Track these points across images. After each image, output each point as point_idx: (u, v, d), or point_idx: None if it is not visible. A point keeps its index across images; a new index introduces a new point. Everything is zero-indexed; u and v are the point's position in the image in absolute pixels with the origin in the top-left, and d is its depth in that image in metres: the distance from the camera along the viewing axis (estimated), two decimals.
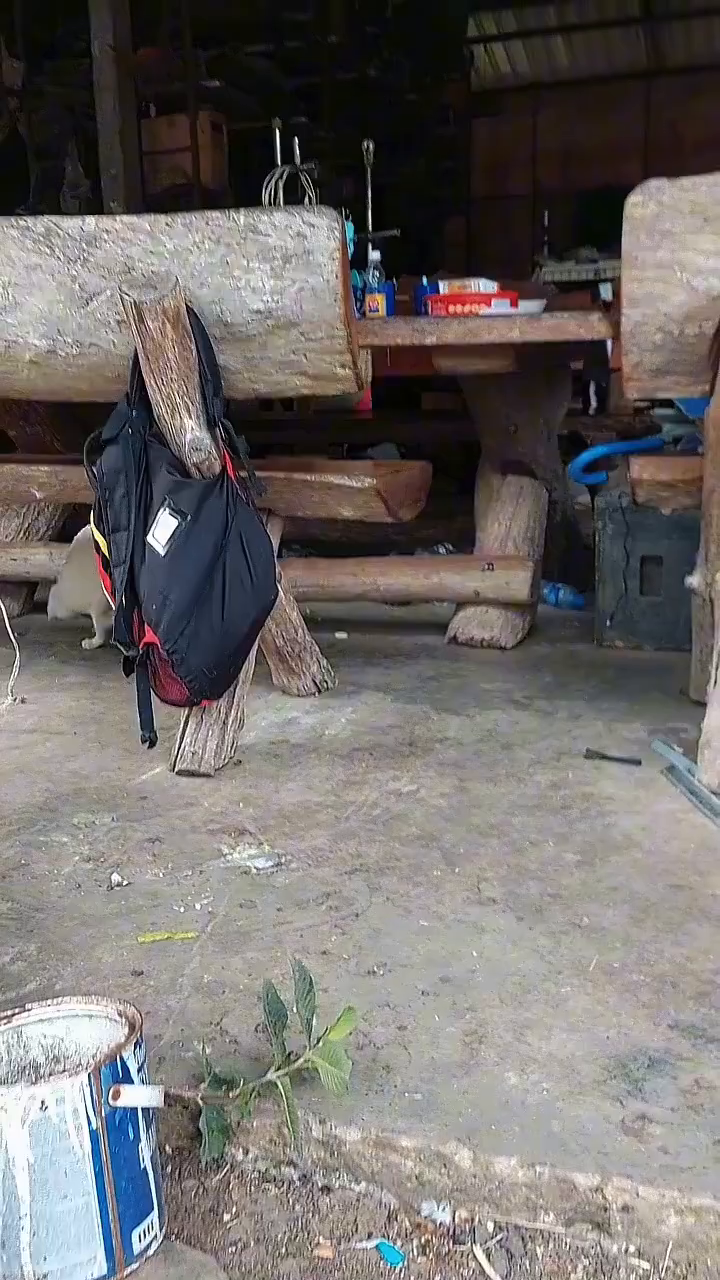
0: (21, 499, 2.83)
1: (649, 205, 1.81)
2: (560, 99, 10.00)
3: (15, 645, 2.57)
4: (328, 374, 1.99)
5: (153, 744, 2.10)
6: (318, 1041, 1.16)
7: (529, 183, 10.24)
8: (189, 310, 1.91)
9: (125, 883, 1.68)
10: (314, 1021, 1.18)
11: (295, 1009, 1.20)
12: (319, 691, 2.53)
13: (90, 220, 2.01)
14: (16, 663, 2.52)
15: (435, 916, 1.54)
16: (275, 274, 1.91)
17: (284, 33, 7.24)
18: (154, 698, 2.08)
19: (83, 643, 2.93)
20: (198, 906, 1.60)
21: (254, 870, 1.70)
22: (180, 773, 2.09)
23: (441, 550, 3.50)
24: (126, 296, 1.89)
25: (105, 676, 2.72)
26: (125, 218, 1.99)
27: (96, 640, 2.90)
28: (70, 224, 2.01)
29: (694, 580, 2.07)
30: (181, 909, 1.59)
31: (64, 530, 3.44)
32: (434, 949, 1.45)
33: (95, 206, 6.29)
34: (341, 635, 3.04)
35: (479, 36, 10.02)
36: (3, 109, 6.98)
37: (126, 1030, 1.10)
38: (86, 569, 2.77)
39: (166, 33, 6.41)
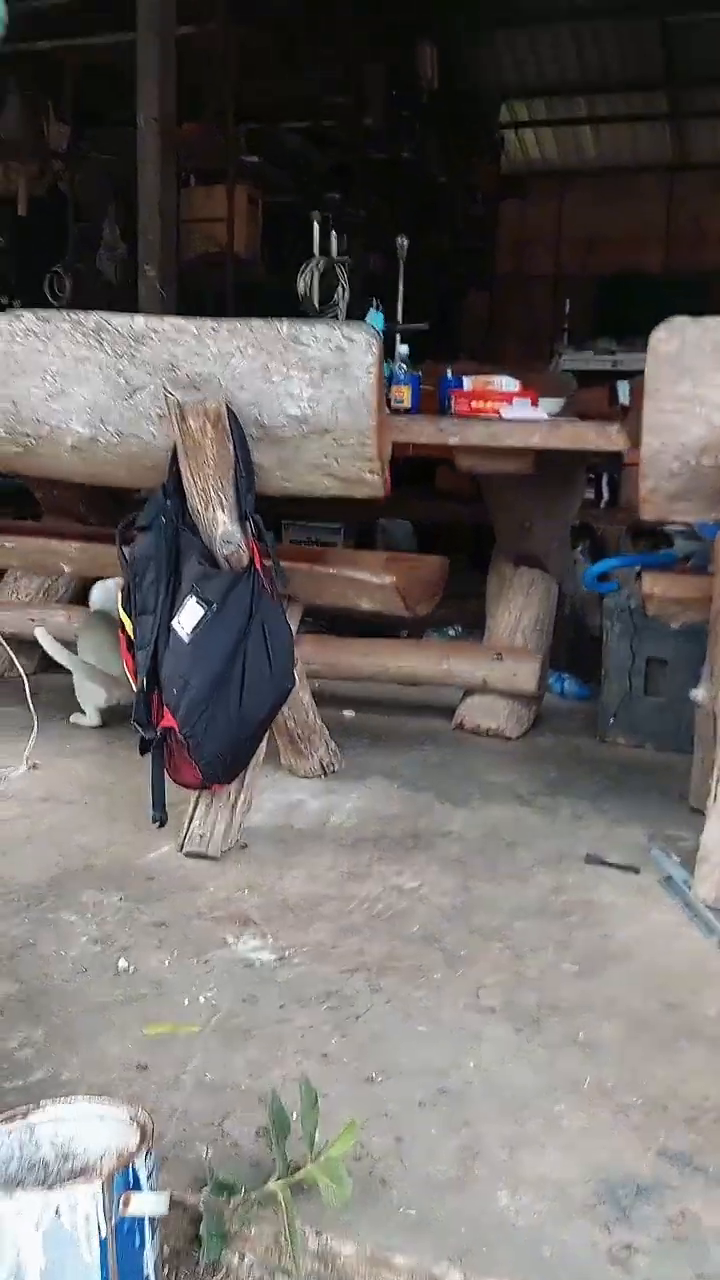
0: (50, 571, 2.91)
1: (673, 341, 1.90)
2: (586, 185, 10.29)
3: (33, 711, 2.63)
4: (356, 478, 2.08)
5: (163, 824, 2.15)
6: (319, 1155, 1.19)
7: (552, 264, 10.49)
8: (229, 411, 2.00)
9: (131, 968, 1.71)
10: (316, 1135, 1.22)
11: (298, 1120, 1.23)
12: (325, 774, 2.58)
13: (139, 319, 2.11)
14: (35, 729, 2.57)
15: (435, 1022, 1.57)
16: (313, 383, 1.99)
17: (322, 113, 7.47)
18: (167, 779, 2.13)
19: (71, 718, 2.92)
20: (201, 999, 1.63)
21: (257, 963, 1.74)
22: (188, 854, 2.13)
23: (451, 632, 3.57)
24: (171, 395, 1.98)
25: (117, 744, 2.77)
26: (173, 319, 2.09)
27: (90, 720, 2.92)
28: (120, 321, 2.10)
29: (699, 694, 2.13)
30: (185, 1000, 1.63)
31: (82, 593, 3.52)
32: (432, 1057, 1.49)
33: (130, 268, 6.46)
34: (349, 713, 3.09)
35: (510, 122, 10.32)
36: (47, 168, 7.21)
37: (138, 1136, 1.14)
38: (100, 650, 2.84)
39: (211, 109, 6.62)
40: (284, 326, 2.02)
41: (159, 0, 5.67)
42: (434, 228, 8.53)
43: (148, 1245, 1.10)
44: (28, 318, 2.16)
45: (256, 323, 2.04)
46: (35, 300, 6.56)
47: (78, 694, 2.92)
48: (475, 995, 1.64)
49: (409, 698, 3.22)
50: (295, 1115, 1.25)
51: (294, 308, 4.34)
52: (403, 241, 3.56)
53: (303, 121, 7.45)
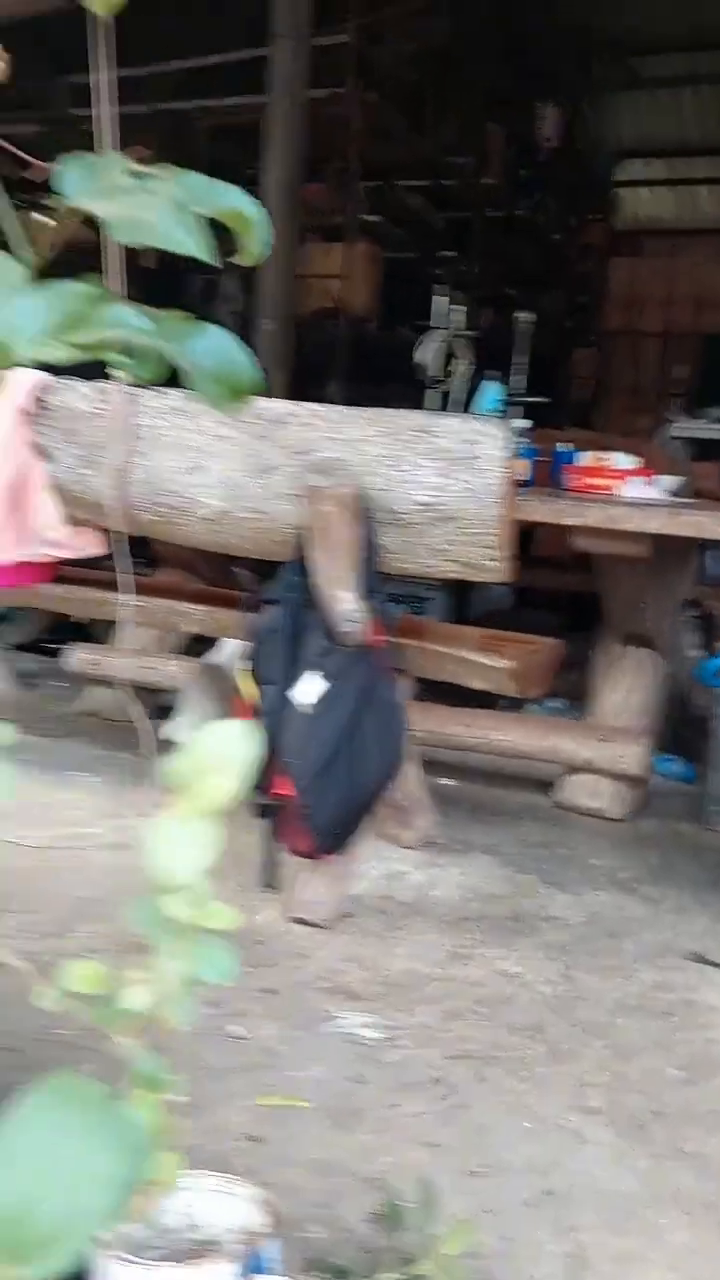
0: (169, 628, 3.02)
1: None
2: (700, 245, 10.27)
3: (147, 757, 2.72)
4: (479, 564, 2.14)
5: (272, 889, 2.21)
6: (434, 1250, 1.23)
7: (660, 322, 10.47)
8: (360, 496, 2.08)
9: (246, 1036, 1.78)
10: (430, 1230, 1.25)
11: (412, 1212, 1.27)
12: (427, 845, 2.62)
13: (280, 404, 2.21)
14: (152, 777, 2.66)
15: (538, 1119, 1.60)
16: (442, 472, 2.07)
17: (442, 172, 7.64)
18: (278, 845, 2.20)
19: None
20: (311, 1073, 1.69)
21: (365, 1041, 1.79)
22: (294, 920, 2.19)
23: (552, 706, 3.59)
24: (306, 479, 2.07)
25: None
26: (312, 405, 2.18)
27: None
28: (262, 404, 2.21)
29: None
30: (297, 1073, 1.68)
31: (194, 646, 3.64)
32: (536, 1155, 1.52)
33: (247, 321, 6.67)
34: (447, 782, 3.13)
35: (626, 181, 10.39)
36: None
37: (264, 1217, 1.19)
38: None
39: (333, 170, 6.82)
40: (418, 417, 2.11)
41: (293, 67, 5.90)
42: (547, 285, 8.63)
43: None
44: (174, 395, 2.28)
45: (391, 412, 2.12)
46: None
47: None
48: (579, 1094, 1.67)
49: (508, 768, 3.24)
50: (406, 1205, 1.29)
51: (403, 363, 4.45)
52: (524, 316, 3.64)
53: (423, 180, 7.61)
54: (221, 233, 0.65)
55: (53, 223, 0.58)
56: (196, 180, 0.61)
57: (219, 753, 0.44)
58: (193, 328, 0.59)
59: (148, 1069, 0.57)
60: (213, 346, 0.60)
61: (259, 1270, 1.14)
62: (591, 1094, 1.67)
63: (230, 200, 0.59)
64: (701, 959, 2.12)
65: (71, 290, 0.55)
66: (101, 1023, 0.59)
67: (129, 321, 0.56)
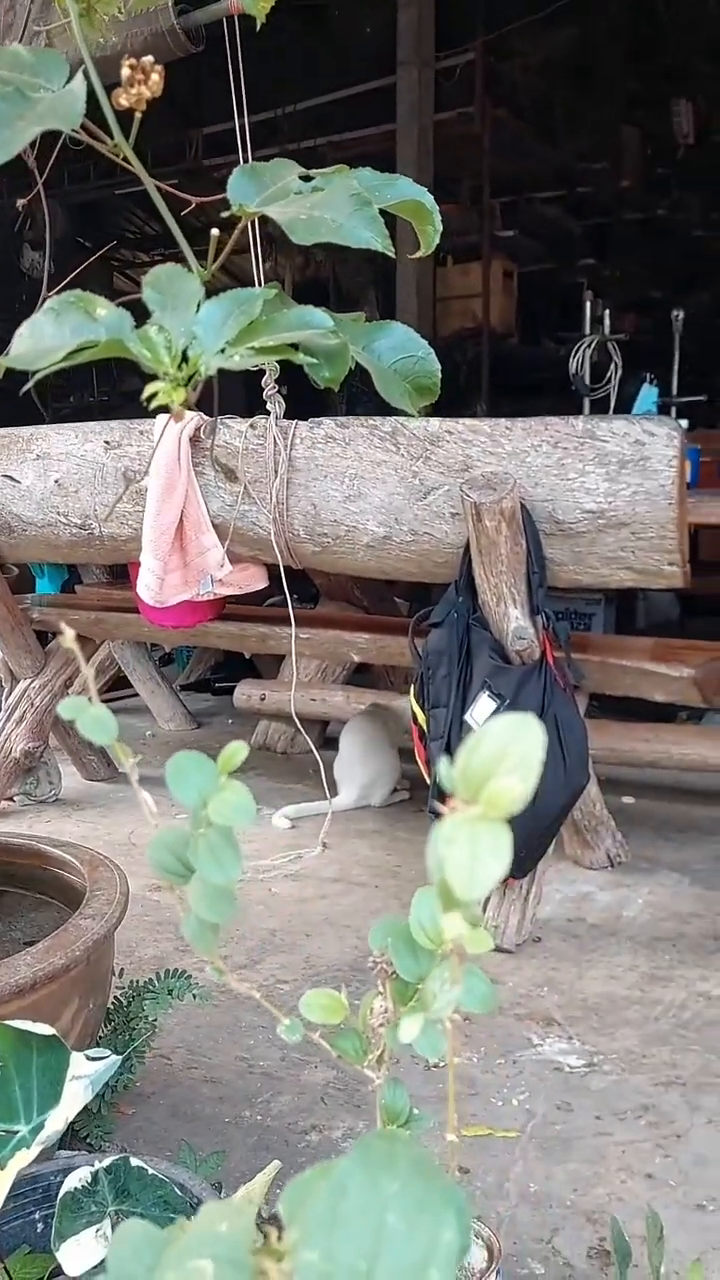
0: (339, 659, 3.04)
1: None
2: None
3: (326, 789, 2.73)
4: (655, 570, 2.05)
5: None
6: None
7: None
8: (523, 508, 2.04)
9: (442, 1064, 1.74)
10: (663, 1269, 1.18)
11: (641, 1249, 1.21)
12: (612, 865, 2.53)
13: (434, 422, 2.19)
14: (330, 813, 2.67)
15: None
16: (610, 478, 2.00)
17: (577, 179, 7.54)
18: None
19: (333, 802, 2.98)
20: (515, 1102, 1.63)
21: (567, 1068, 1.72)
22: None
23: None
24: (467, 497, 2.04)
25: (398, 825, 2.84)
26: (467, 421, 2.15)
27: (341, 803, 2.95)
28: (415, 425, 2.19)
29: None
30: (499, 1102, 1.63)
31: (355, 674, 3.66)
32: None
33: None
34: (629, 800, 3.03)
35: None
36: (311, 257, 7.66)
37: (484, 1253, 1.15)
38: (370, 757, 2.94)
39: (466, 187, 6.83)
40: (580, 423, 2.05)
41: (418, 91, 5.96)
42: (694, 284, 8.38)
43: None
44: (327, 424, 2.30)
45: (553, 420, 2.07)
46: (297, 382, 6.96)
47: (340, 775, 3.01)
48: None
49: (689, 783, 3.12)
50: (630, 1239, 1.23)
51: (548, 374, 4.37)
52: (678, 314, 3.52)
53: (557, 190, 7.53)
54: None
55: (219, 233, 0.58)
56: (368, 175, 0.59)
57: (509, 749, 0.41)
58: (376, 326, 0.58)
59: (396, 1103, 0.55)
60: (396, 343, 0.58)
61: None
62: None
63: (404, 191, 0.57)
64: None
65: (250, 295, 0.54)
66: (345, 1054, 0.56)
67: (312, 321, 0.54)
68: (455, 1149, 0.59)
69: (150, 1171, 1.11)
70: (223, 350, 0.52)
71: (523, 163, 6.99)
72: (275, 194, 0.60)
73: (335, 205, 0.57)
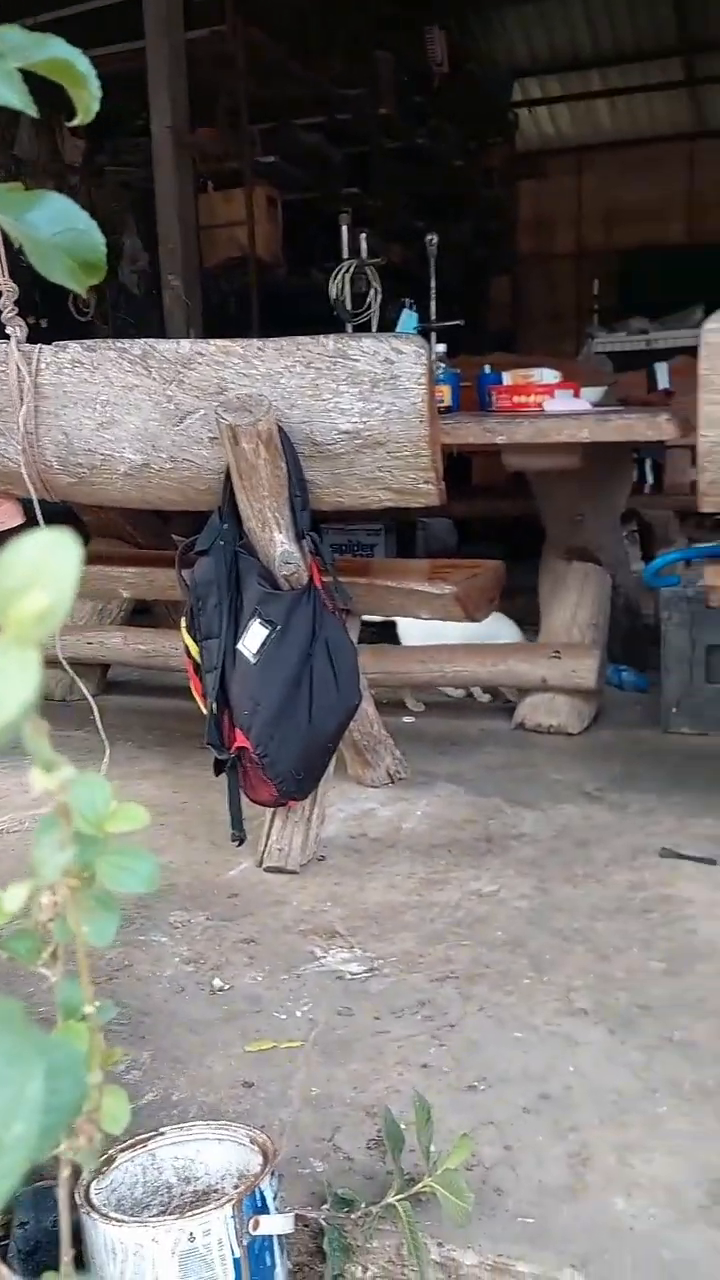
0: (107, 596, 2.95)
1: None
2: (604, 160, 10.20)
3: (104, 737, 2.67)
4: (412, 489, 2.09)
5: (242, 842, 2.19)
6: (435, 1167, 1.22)
7: (573, 242, 10.42)
8: (280, 431, 2.02)
9: (226, 986, 1.75)
10: (432, 1148, 1.24)
11: (412, 1133, 1.26)
12: (392, 781, 2.60)
13: (185, 344, 2.14)
14: (107, 755, 2.61)
15: (528, 1028, 1.60)
16: (363, 397, 2.01)
17: (335, 106, 7.47)
18: (243, 797, 2.17)
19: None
20: (298, 1013, 1.67)
21: (348, 975, 1.77)
22: (268, 869, 2.17)
23: None
24: (222, 419, 2.01)
25: (184, 763, 2.82)
26: (219, 342, 2.11)
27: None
28: (166, 347, 2.13)
29: None
30: (283, 1015, 1.67)
31: (135, 614, 3.58)
32: (530, 1063, 1.51)
33: (153, 279, 6.51)
34: (409, 719, 3.12)
35: (524, 100, 10.25)
36: (63, 183, 7.27)
37: (259, 1157, 1.17)
38: None
39: (223, 111, 6.64)
40: (331, 342, 2.04)
41: (166, 6, 5.71)
42: (454, 214, 8.51)
43: (278, 1263, 1.13)
44: (74, 348, 2.20)
45: (303, 340, 2.05)
46: (60, 318, 6.64)
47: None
48: (565, 999, 1.67)
49: (467, 701, 3.23)
50: (405, 1127, 1.28)
51: (319, 305, 4.35)
52: (432, 238, 3.57)
53: (317, 117, 7.44)
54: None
55: None
56: (14, 34, 0.55)
57: (34, 565, 0.39)
58: (29, 195, 0.54)
59: (69, 996, 0.53)
60: (54, 214, 0.55)
61: (261, 1210, 1.12)
62: (578, 997, 1.67)
63: (55, 51, 0.54)
64: (674, 853, 2.13)
65: None
66: (17, 955, 0.55)
67: None
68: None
69: None
70: None
71: (280, 86, 6.84)
72: None
73: None
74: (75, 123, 0.55)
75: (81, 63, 0.51)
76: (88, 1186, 1.15)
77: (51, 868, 0.47)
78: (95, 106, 0.53)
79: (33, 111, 0.50)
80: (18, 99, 0.50)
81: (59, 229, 0.53)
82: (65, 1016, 0.54)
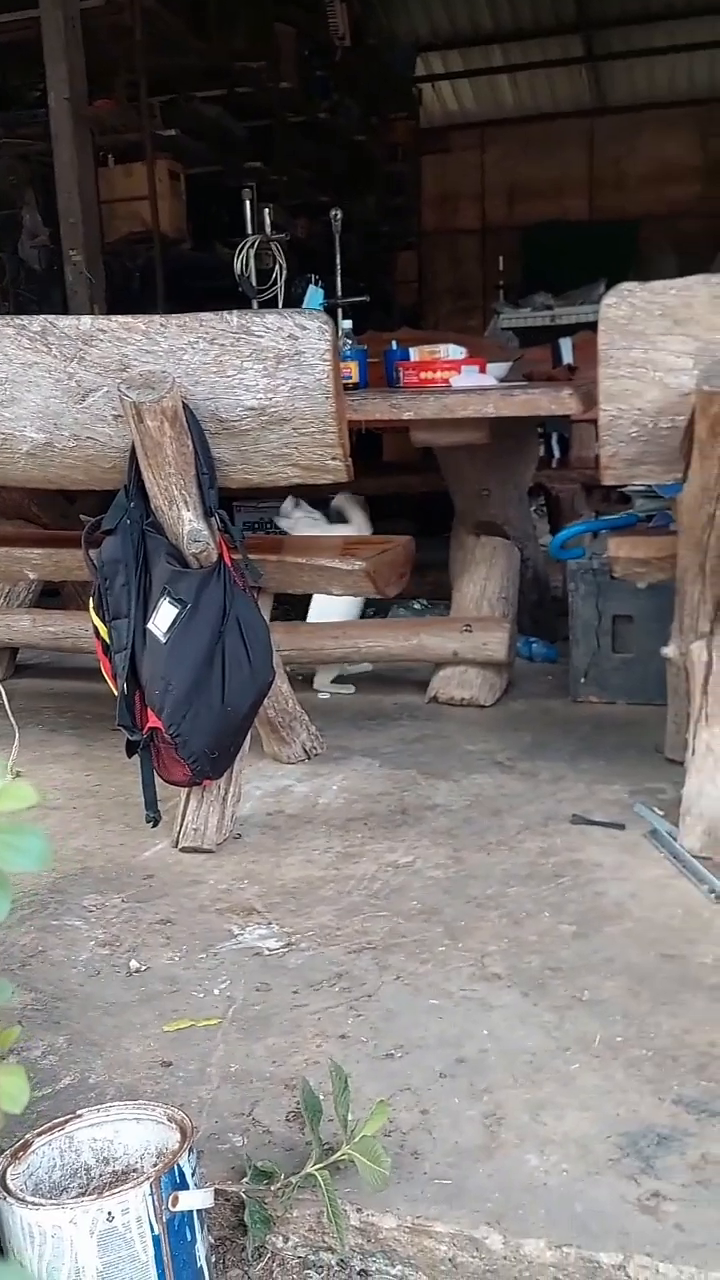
0: (14, 578, 2.89)
1: (622, 307, 1.92)
2: (506, 135, 10.27)
3: (11, 718, 2.62)
4: (319, 465, 2.09)
5: (156, 823, 2.17)
6: (353, 1135, 1.24)
7: (477, 217, 10.48)
8: (185, 407, 2.00)
9: (143, 968, 1.75)
10: (350, 1117, 1.26)
11: (330, 1102, 1.28)
12: (308, 758, 2.61)
13: (86, 320, 2.10)
14: (16, 739, 2.57)
15: (444, 994, 1.62)
16: (268, 373, 2.00)
17: (235, 79, 7.36)
18: (156, 778, 2.16)
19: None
20: (215, 991, 1.67)
21: (265, 951, 1.78)
22: (184, 849, 2.16)
23: (418, 606, 3.60)
24: (126, 397, 1.98)
25: (96, 745, 2.79)
26: (121, 318, 2.07)
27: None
28: (66, 323, 2.09)
29: (669, 650, 2.19)
30: (200, 994, 1.67)
31: (45, 595, 3.51)
32: (446, 1028, 1.54)
33: (54, 254, 6.35)
34: (324, 695, 3.13)
35: (426, 76, 10.23)
36: None
37: (177, 1134, 1.17)
38: None
39: (122, 83, 6.49)
40: (234, 318, 2.02)
41: None
42: (358, 189, 8.48)
43: (198, 1238, 1.14)
44: None
45: (207, 316, 2.03)
46: None
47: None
48: (480, 964, 1.70)
49: (380, 673, 3.25)
50: (324, 1097, 1.30)
51: (223, 281, 4.29)
52: (336, 213, 3.55)
53: (217, 90, 7.32)
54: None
55: None
56: None
57: None
58: None
59: None
60: None
61: (181, 1186, 1.13)
62: (491, 962, 1.70)
63: None
64: (584, 820, 2.18)
65: None
66: None
67: None
68: None
69: None
70: None
71: (179, 58, 6.72)
72: None
73: None
74: None
75: None
76: (3, 1172, 1.14)
77: None
78: None
79: None
80: None
81: None
82: None
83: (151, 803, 2.16)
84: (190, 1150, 1.15)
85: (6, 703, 2.61)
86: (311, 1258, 1.25)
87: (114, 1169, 1.24)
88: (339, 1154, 1.23)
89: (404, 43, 9.60)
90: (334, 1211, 1.20)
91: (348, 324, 3.29)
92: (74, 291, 5.79)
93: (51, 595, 3.66)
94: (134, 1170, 1.22)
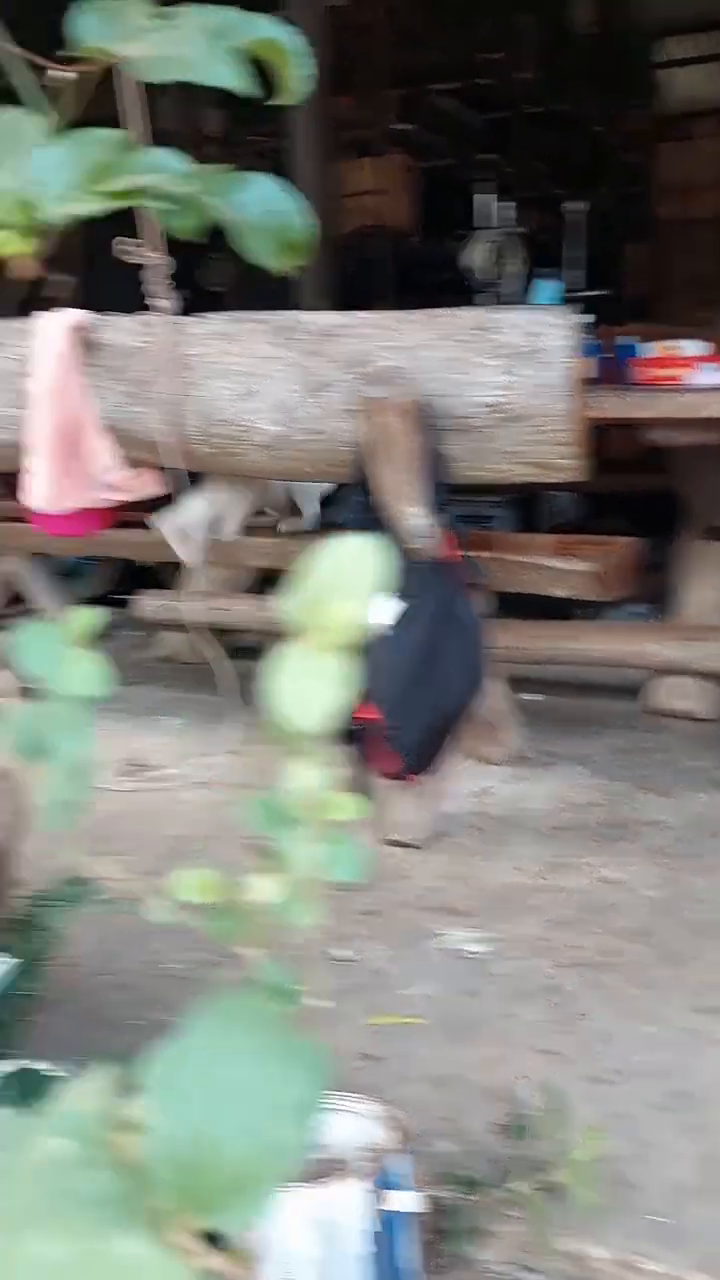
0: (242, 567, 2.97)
1: None
2: None
3: (240, 700, 2.71)
4: (553, 464, 2.05)
5: (366, 814, 2.19)
6: (567, 1158, 1.21)
7: (715, 207, 10.02)
8: (420, 404, 2.00)
9: (351, 959, 1.76)
10: (563, 1138, 1.23)
11: (540, 1120, 1.25)
12: (516, 761, 2.57)
13: (327, 315, 2.14)
14: (236, 721, 2.65)
15: (660, 1022, 1.56)
16: (506, 370, 1.97)
17: (475, 71, 7.32)
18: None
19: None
20: (421, 990, 1.67)
21: (472, 955, 1.76)
22: (389, 843, 2.17)
23: (634, 611, 3.48)
24: (363, 393, 2.00)
25: None
26: (363, 314, 2.10)
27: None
28: (308, 318, 2.13)
29: None
30: (405, 991, 1.67)
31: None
32: (662, 1059, 1.48)
33: None
34: (534, 696, 3.07)
35: (666, 61, 9.87)
36: (202, 153, 7.34)
37: (398, 1135, 1.17)
38: None
39: (362, 79, 6.58)
40: (475, 315, 2.01)
41: None
42: (594, 180, 8.27)
43: (408, 1239, 1.13)
44: (216, 320, 2.22)
45: (447, 312, 2.03)
46: (192, 286, 6.71)
47: None
48: (697, 995, 1.62)
49: (590, 678, 3.16)
50: (533, 1113, 1.27)
51: (451, 274, 4.29)
52: (574, 206, 3.46)
53: (456, 82, 7.31)
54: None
55: (71, 75, 0.52)
56: (226, 13, 0.54)
57: (341, 573, 0.39)
58: (236, 177, 0.53)
59: (276, 980, 0.53)
60: (259, 196, 0.54)
61: (390, 1186, 1.12)
62: (710, 995, 1.62)
63: (264, 30, 0.53)
64: None
65: (97, 137, 0.49)
66: (220, 935, 0.55)
67: (166, 165, 0.50)
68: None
69: (57, 1074, 1.11)
70: (67, 195, 0.48)
71: (420, 53, 6.75)
72: (126, 30, 0.54)
73: (188, 42, 0.52)
74: (279, 101, 0.53)
75: (288, 40, 0.50)
76: None
77: (301, 863, 0.47)
78: (302, 87, 0.51)
79: (254, 93, 0.49)
80: (237, 80, 0.49)
81: (266, 210, 0.52)
82: (271, 1001, 0.54)
83: (359, 792, 2.18)
84: (405, 1152, 1.15)
85: (231, 684, 2.70)
86: (509, 1275, 1.23)
87: (324, 1158, 1.25)
88: (552, 1175, 1.20)
89: (646, 28, 9.29)
90: (542, 1231, 1.17)
91: (588, 319, 3.21)
92: (304, 284, 5.93)
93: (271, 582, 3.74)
94: (344, 1162, 1.22)
